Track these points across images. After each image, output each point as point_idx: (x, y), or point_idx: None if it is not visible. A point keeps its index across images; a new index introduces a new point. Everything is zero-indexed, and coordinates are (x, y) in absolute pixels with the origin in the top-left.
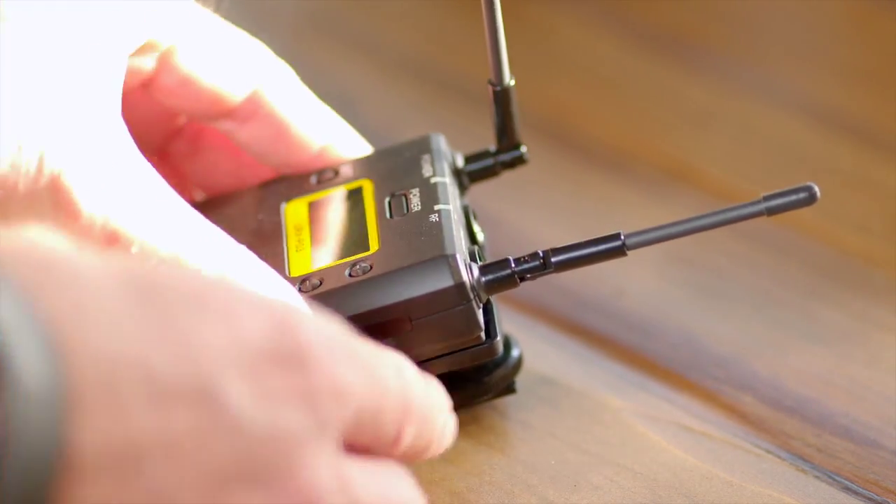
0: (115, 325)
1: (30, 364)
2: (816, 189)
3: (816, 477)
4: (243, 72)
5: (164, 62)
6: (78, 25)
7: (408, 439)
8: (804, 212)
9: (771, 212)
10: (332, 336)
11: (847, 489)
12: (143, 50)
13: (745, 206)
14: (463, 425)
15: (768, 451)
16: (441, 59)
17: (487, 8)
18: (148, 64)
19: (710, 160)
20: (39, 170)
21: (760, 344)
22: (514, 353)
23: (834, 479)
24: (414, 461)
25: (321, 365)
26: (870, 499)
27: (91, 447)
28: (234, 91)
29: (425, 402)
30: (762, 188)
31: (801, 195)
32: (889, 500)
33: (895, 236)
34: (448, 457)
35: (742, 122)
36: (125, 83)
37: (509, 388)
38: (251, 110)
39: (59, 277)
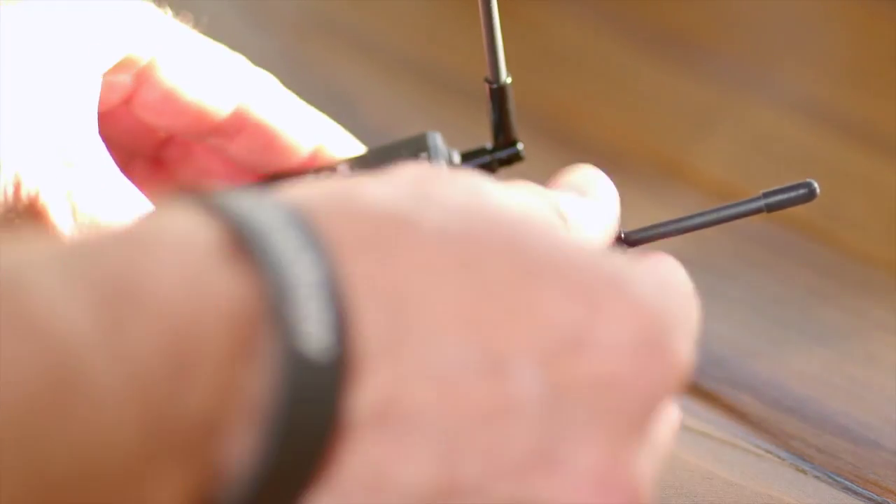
0: (421, 283)
1: (314, 334)
2: (816, 185)
3: (816, 477)
4: (226, 85)
5: (144, 78)
6: (51, 42)
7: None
8: (804, 212)
9: (770, 208)
10: (673, 300)
11: (847, 489)
12: (121, 66)
13: (744, 202)
14: None
15: (768, 451)
16: (441, 59)
17: (484, 6)
18: (127, 80)
19: (709, 160)
20: (16, 192)
21: (760, 344)
22: None
23: (834, 479)
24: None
25: (668, 340)
26: (870, 499)
27: (366, 411)
28: (218, 105)
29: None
30: (762, 188)
31: (801, 191)
32: (889, 500)
33: (895, 236)
34: None
35: (742, 122)
36: (106, 100)
37: None
38: (238, 124)
39: (367, 220)
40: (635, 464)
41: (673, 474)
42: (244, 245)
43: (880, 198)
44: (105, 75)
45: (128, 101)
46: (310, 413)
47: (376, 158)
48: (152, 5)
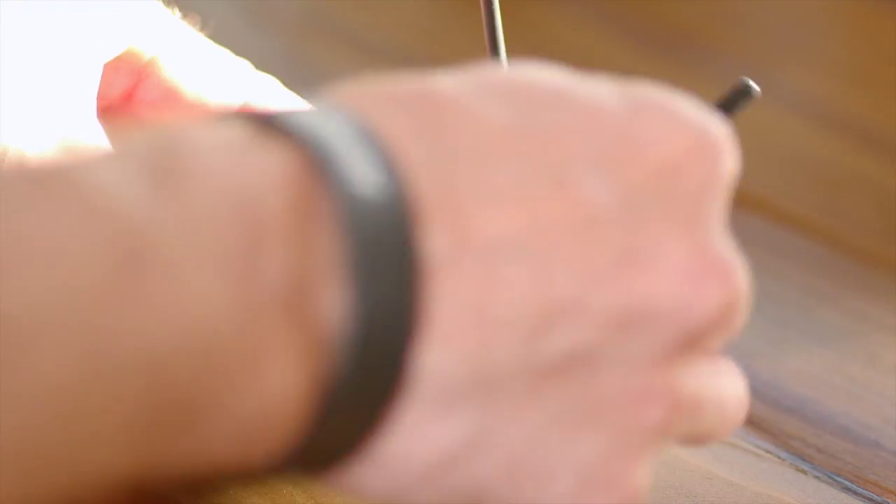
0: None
1: (365, 174)
2: (751, 84)
3: (816, 477)
4: (228, 87)
5: (146, 74)
6: (53, 29)
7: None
8: (804, 212)
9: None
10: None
11: (847, 489)
12: (123, 59)
13: None
14: None
15: (768, 451)
16: (441, 59)
17: (485, 5)
18: (128, 74)
19: None
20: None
21: (760, 344)
22: None
23: (834, 480)
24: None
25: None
26: (870, 499)
27: (444, 249)
28: (219, 106)
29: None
30: (762, 188)
31: (740, 90)
32: (889, 501)
33: (895, 236)
34: None
35: (742, 122)
36: (107, 95)
37: None
38: None
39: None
40: (715, 245)
41: (673, 474)
42: (283, 125)
43: (880, 198)
44: (106, 66)
45: (128, 97)
46: (387, 255)
47: None
48: (158, 3)
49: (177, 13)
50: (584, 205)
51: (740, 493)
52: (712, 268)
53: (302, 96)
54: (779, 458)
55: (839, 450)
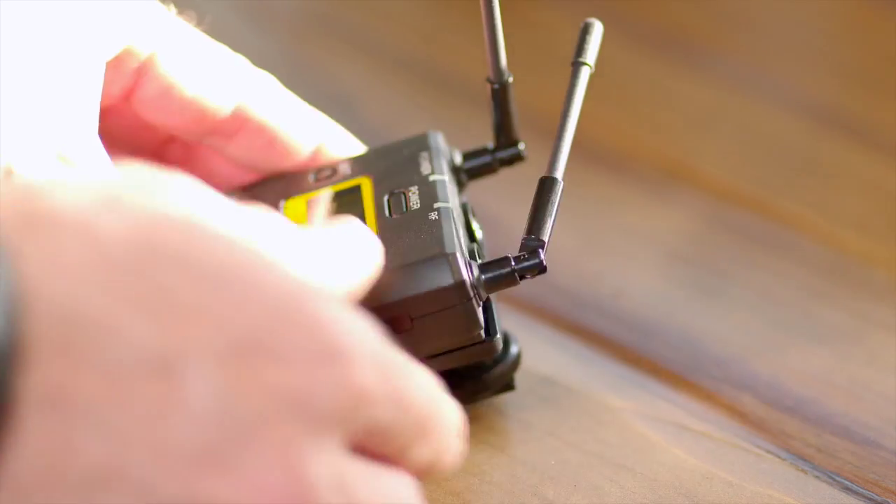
0: (92, 284)
1: None
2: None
3: (816, 477)
4: (226, 83)
5: (144, 72)
6: (51, 33)
7: (418, 458)
8: (804, 212)
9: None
10: (362, 333)
11: (847, 489)
12: (121, 58)
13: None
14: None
15: (768, 451)
16: (441, 58)
17: (486, 5)
18: (127, 73)
19: (710, 160)
20: (6, 182)
21: (760, 344)
22: (513, 349)
23: (834, 479)
24: (418, 478)
25: (347, 360)
26: (870, 499)
27: (35, 396)
28: (218, 103)
29: (445, 424)
30: (762, 188)
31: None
32: (889, 501)
33: (895, 236)
34: None
35: (742, 122)
36: (107, 94)
37: (508, 385)
38: (238, 124)
39: (47, 227)
40: (309, 468)
41: (673, 474)
42: None
43: (880, 198)
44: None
45: (128, 96)
46: None
47: (377, 158)
48: (156, 1)
49: (173, 9)
50: (179, 397)
51: (740, 492)
52: (291, 490)
53: (301, 97)
54: (779, 458)
55: (839, 450)
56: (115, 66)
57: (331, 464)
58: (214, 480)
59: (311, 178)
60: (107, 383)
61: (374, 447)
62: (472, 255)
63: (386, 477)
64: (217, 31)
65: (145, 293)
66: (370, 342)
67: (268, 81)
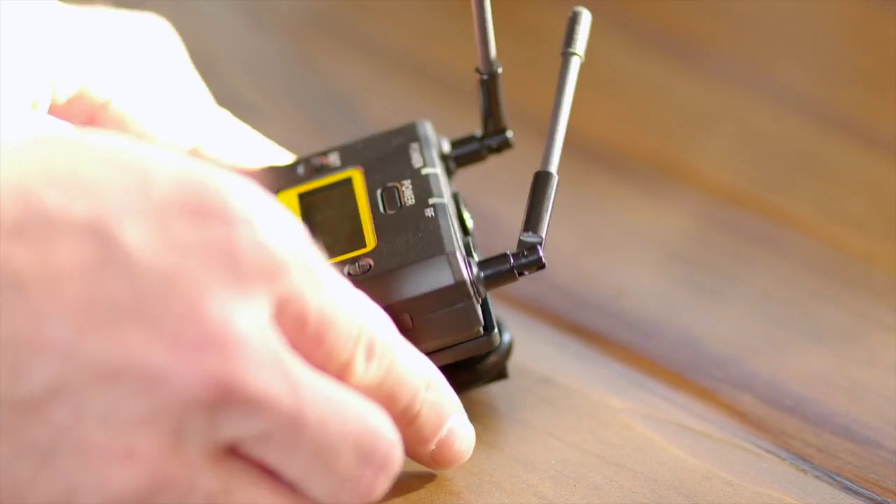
0: (9, 159)
1: None
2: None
3: (816, 477)
4: (181, 125)
5: (99, 117)
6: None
7: (364, 369)
8: (804, 212)
9: (568, 45)
10: (267, 205)
11: (847, 489)
12: (75, 101)
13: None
14: None
15: (768, 451)
16: (441, 58)
17: (477, 7)
18: (81, 116)
19: (709, 160)
20: None
21: (760, 344)
22: (506, 338)
23: (834, 479)
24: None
25: (247, 225)
26: (870, 499)
27: None
28: (173, 142)
29: (399, 351)
30: (762, 188)
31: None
32: (889, 500)
33: (895, 236)
34: None
35: (742, 122)
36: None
37: (502, 374)
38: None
39: None
40: (233, 321)
41: (673, 474)
42: None
43: (880, 198)
44: (59, 108)
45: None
46: None
47: (366, 148)
48: (112, 40)
49: (128, 48)
50: (109, 254)
51: (740, 492)
52: (208, 342)
53: (301, 97)
54: (779, 458)
55: (839, 450)
56: (68, 109)
57: (258, 323)
58: (133, 336)
59: (299, 170)
60: (32, 248)
61: (306, 349)
62: (468, 251)
63: (350, 395)
64: (217, 31)
65: (63, 168)
66: (270, 209)
67: (224, 122)
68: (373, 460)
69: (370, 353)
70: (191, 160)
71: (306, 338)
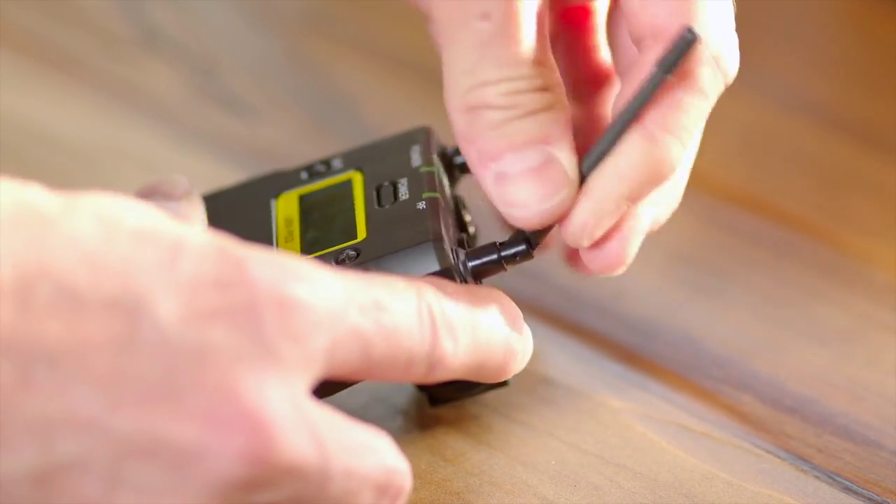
0: (44, 240)
1: None
2: (695, 32)
3: (816, 477)
4: None
5: None
6: None
7: (454, 350)
8: (804, 212)
9: (667, 70)
10: (285, 264)
11: (847, 489)
12: None
13: (647, 79)
14: (462, 425)
15: (768, 451)
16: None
17: None
18: None
19: (710, 160)
20: None
21: (760, 344)
22: None
23: (834, 480)
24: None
25: (267, 285)
26: (870, 499)
27: None
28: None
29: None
30: (762, 188)
31: (685, 42)
32: (889, 501)
33: (895, 236)
34: (448, 457)
35: (742, 122)
36: None
37: (502, 381)
38: None
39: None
40: (264, 398)
41: (673, 474)
42: None
43: (880, 198)
44: None
45: None
46: None
47: (369, 153)
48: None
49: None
50: (138, 331)
51: (740, 493)
52: (242, 418)
53: (301, 97)
54: (779, 458)
55: (839, 450)
56: None
57: (284, 394)
58: (165, 412)
59: (303, 174)
60: (64, 324)
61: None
62: (461, 245)
63: (362, 431)
64: (217, 31)
65: (94, 250)
66: (288, 267)
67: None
68: (388, 493)
69: (452, 334)
70: (214, 234)
71: (374, 360)
